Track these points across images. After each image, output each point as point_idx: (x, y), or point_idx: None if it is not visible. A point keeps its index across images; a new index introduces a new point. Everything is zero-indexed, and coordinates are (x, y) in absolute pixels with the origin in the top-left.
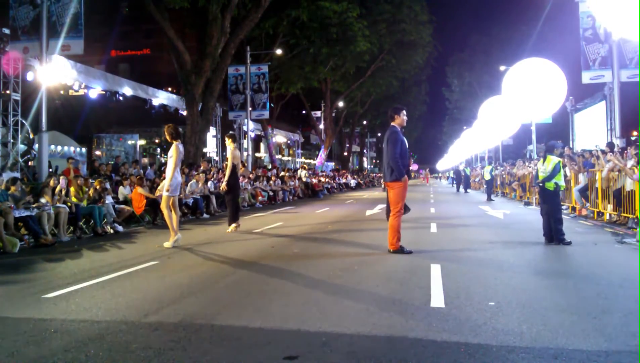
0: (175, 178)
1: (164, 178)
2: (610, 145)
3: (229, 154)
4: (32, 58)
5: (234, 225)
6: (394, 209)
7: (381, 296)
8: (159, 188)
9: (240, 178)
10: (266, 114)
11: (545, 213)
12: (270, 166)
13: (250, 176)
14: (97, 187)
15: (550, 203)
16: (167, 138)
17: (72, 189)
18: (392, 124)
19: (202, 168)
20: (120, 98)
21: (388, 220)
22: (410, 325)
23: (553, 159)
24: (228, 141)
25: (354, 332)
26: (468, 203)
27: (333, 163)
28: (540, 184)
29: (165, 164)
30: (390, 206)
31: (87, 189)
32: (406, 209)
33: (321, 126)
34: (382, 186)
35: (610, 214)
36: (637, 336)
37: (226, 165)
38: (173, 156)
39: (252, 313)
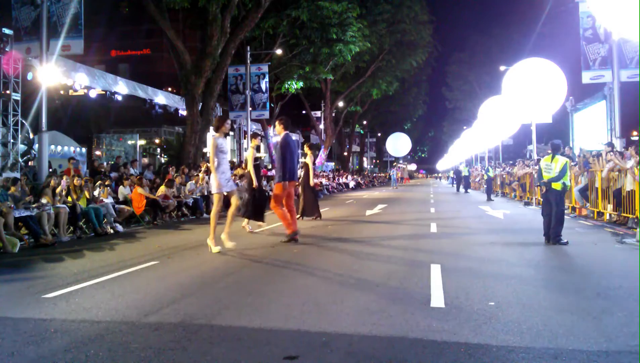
0: (223, 172)
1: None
2: (610, 145)
3: (249, 154)
4: (32, 58)
5: (259, 223)
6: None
7: (381, 296)
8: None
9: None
10: (266, 114)
11: (548, 213)
12: (270, 166)
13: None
14: (90, 186)
15: (557, 203)
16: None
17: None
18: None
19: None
20: (120, 98)
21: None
22: (410, 325)
23: (561, 160)
24: (253, 142)
25: (354, 332)
26: (468, 203)
27: (333, 163)
28: (546, 184)
29: (164, 164)
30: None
31: (83, 188)
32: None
33: (321, 126)
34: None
35: (610, 214)
36: (637, 336)
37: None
38: (210, 150)
39: (252, 313)
